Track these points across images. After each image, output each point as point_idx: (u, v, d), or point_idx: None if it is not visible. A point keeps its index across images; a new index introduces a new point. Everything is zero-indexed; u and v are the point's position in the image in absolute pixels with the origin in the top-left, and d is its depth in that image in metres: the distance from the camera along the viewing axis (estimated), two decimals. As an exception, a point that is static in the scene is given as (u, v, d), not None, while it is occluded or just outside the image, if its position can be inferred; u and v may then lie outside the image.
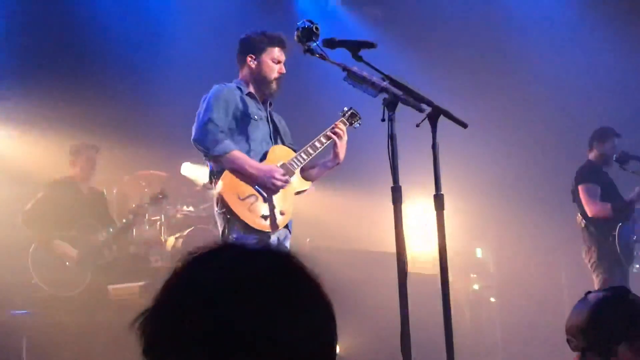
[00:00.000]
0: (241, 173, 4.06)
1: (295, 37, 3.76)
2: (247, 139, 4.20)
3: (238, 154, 4.07)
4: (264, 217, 4.06)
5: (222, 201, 4.05)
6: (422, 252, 8.70)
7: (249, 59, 4.36)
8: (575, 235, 6.75)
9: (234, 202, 4.02)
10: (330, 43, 3.47)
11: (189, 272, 1.10)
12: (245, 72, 4.39)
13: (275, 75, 4.35)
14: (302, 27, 3.76)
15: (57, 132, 7.49)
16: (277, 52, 4.35)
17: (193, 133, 4.16)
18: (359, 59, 3.31)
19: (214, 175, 4.15)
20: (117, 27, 8.28)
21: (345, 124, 4.43)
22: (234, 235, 3.98)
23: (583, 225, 6.43)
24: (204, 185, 7.61)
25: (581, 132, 7.30)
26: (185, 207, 7.99)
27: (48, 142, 7.52)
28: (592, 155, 6.56)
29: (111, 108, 8.09)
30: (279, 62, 4.35)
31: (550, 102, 9.33)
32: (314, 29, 3.72)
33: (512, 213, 9.35)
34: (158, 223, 7.70)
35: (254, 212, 4.05)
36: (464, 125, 3.15)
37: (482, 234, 9.75)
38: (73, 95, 7.62)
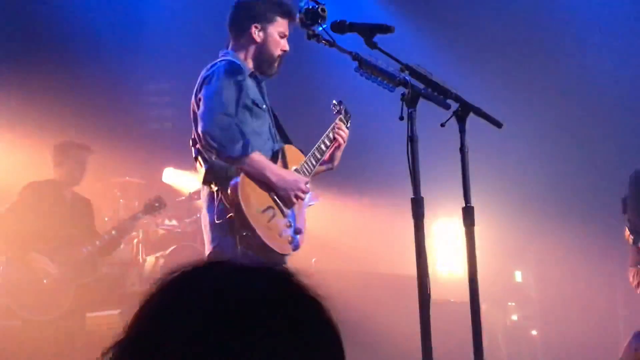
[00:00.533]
0: (259, 180, 3.91)
1: (298, 20, 3.78)
2: (254, 136, 4.01)
3: (259, 157, 3.91)
4: (284, 236, 3.96)
5: (236, 210, 3.80)
6: (449, 275, 8.71)
7: (254, 29, 4.18)
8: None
9: (252, 214, 3.82)
10: (340, 27, 3.49)
11: (169, 296, 1.05)
12: (244, 44, 4.21)
13: (279, 52, 4.24)
14: (306, 8, 3.78)
15: (23, 131, 7.56)
16: (286, 25, 4.24)
17: (201, 124, 3.87)
18: (374, 45, 3.32)
19: (216, 177, 3.93)
20: (92, 22, 8.39)
21: (344, 124, 4.45)
22: (241, 254, 3.83)
23: (631, 241, 6.42)
24: (190, 195, 7.66)
25: (637, 134, 7.31)
26: (167, 221, 8.03)
27: (14, 142, 7.60)
28: None
29: (83, 107, 8.16)
30: (284, 36, 4.25)
31: (602, 99, 9.34)
32: (320, 11, 3.73)
33: (558, 229, 9.33)
34: (135, 240, 7.74)
35: (274, 229, 3.91)
36: (499, 125, 3.16)
37: (522, 254, 9.74)
38: (41, 92, 7.71)
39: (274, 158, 4.09)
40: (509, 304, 9.38)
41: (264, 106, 4.14)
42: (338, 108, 4.55)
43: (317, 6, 3.75)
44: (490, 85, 8.62)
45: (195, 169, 4.15)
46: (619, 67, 9.24)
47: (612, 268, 8.88)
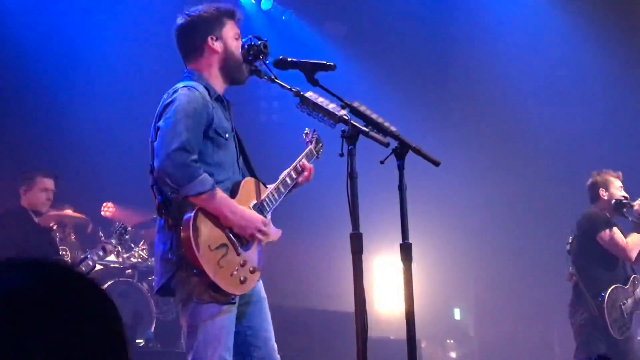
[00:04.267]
0: (216, 216, 3.71)
1: (240, 56, 3.79)
2: (216, 169, 3.80)
3: (217, 194, 3.67)
4: (235, 275, 3.72)
5: (186, 246, 3.60)
6: (388, 312, 8.73)
7: (210, 41, 3.93)
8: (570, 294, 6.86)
9: (203, 252, 3.62)
10: (282, 64, 3.51)
11: None
12: (206, 61, 3.96)
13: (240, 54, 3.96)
14: (248, 45, 3.79)
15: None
16: (234, 25, 4.01)
17: (157, 160, 3.66)
18: (315, 83, 3.34)
19: (168, 210, 3.70)
20: (28, 43, 8.34)
21: (312, 156, 4.26)
22: (194, 299, 3.63)
23: (573, 281, 6.55)
24: (130, 230, 7.57)
25: (574, 175, 7.48)
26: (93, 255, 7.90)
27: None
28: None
29: (20, 133, 8.08)
30: (238, 37, 3.98)
31: (540, 138, 9.56)
32: (262, 47, 3.74)
33: (496, 268, 9.46)
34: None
35: (225, 267, 3.69)
36: (436, 164, 3.19)
37: (461, 292, 9.84)
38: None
39: (233, 192, 3.87)
40: (448, 341, 9.45)
41: (227, 135, 3.88)
42: (310, 137, 4.33)
43: (259, 42, 3.77)
44: (432, 124, 8.75)
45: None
46: (559, 107, 9.47)
47: (549, 307, 9.03)
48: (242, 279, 3.74)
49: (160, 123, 3.73)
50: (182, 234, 3.64)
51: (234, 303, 3.71)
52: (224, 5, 4.05)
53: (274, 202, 4.02)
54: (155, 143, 3.71)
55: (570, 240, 6.59)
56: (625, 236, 6.41)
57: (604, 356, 2.51)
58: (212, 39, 3.93)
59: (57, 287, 1.08)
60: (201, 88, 3.84)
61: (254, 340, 3.86)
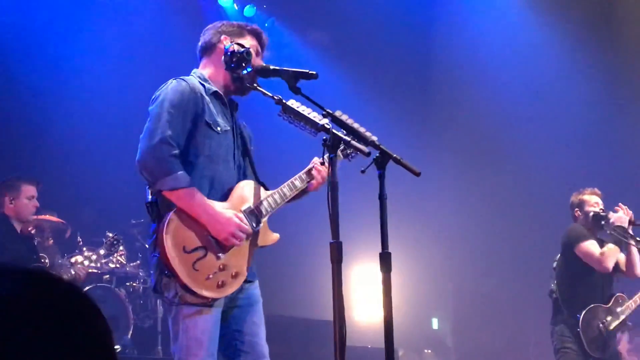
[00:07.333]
0: (191, 216, 3.66)
1: (223, 63, 3.80)
2: (205, 162, 3.77)
3: (191, 193, 3.63)
4: (212, 278, 3.65)
5: (160, 248, 3.59)
6: (366, 321, 8.73)
7: (224, 38, 3.95)
8: (549, 306, 6.88)
9: (176, 254, 3.59)
10: (264, 71, 3.52)
11: None
12: (215, 58, 3.96)
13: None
14: (230, 52, 3.80)
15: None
16: (256, 43, 4.00)
17: (138, 153, 3.67)
18: (297, 91, 3.35)
19: (155, 209, 3.70)
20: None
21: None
22: (174, 300, 3.61)
23: (553, 298, 6.58)
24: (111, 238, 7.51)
25: (552, 185, 7.53)
26: (84, 261, 7.84)
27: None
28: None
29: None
30: (257, 53, 3.97)
31: (521, 148, 9.62)
32: (245, 54, 3.76)
33: (474, 278, 9.49)
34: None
35: (201, 270, 3.63)
36: (417, 174, 3.21)
37: (439, 302, 9.86)
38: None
39: (226, 193, 3.81)
40: (426, 351, 9.46)
41: (220, 129, 3.81)
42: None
43: (242, 50, 3.78)
44: (413, 134, 8.78)
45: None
46: (540, 117, 9.53)
47: (527, 318, 9.06)
48: (220, 282, 3.67)
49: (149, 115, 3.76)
50: (157, 234, 3.65)
51: (211, 306, 3.66)
52: (251, 24, 4.12)
53: (274, 206, 3.92)
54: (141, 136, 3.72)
55: (557, 258, 6.63)
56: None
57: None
58: (226, 38, 3.96)
59: (46, 296, 1.05)
60: (193, 81, 3.85)
61: (241, 345, 3.82)
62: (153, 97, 3.82)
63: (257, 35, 4.03)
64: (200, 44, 4.07)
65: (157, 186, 3.64)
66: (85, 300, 1.08)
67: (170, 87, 3.78)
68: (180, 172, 3.62)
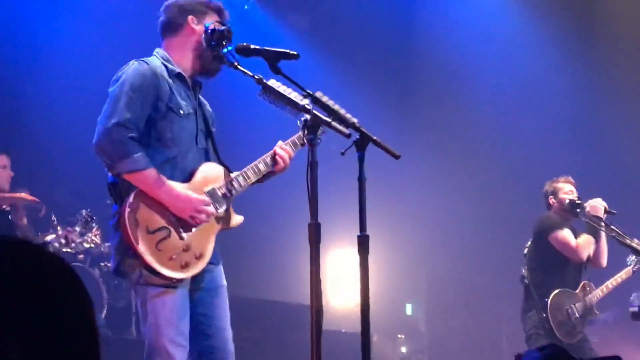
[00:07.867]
0: (152, 197, 3.65)
1: (203, 41, 3.76)
2: (167, 145, 3.75)
3: (151, 174, 3.62)
4: (176, 259, 3.64)
5: (122, 229, 3.59)
6: (343, 305, 8.74)
7: (190, 20, 3.90)
8: (521, 292, 6.94)
9: (139, 234, 3.58)
10: (245, 50, 3.48)
11: None
12: (181, 41, 3.91)
13: None
14: (211, 30, 3.76)
15: None
16: (218, 19, 3.95)
17: (95, 135, 3.66)
18: (278, 71, 3.32)
19: (116, 190, 3.69)
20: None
21: (297, 144, 4.01)
22: (140, 281, 3.61)
23: (524, 284, 6.64)
24: (84, 215, 7.45)
25: (530, 174, 7.55)
26: (54, 241, 7.75)
27: None
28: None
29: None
30: None
31: (500, 135, 9.65)
32: (226, 32, 3.71)
33: (448, 265, 9.53)
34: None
35: (164, 251, 3.62)
36: (396, 156, 3.20)
37: (413, 288, 9.89)
38: None
39: (189, 174, 3.79)
40: (399, 336, 9.50)
41: (182, 111, 3.80)
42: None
43: (222, 28, 3.74)
44: (393, 117, 8.77)
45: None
46: (520, 105, 9.56)
47: (499, 305, 9.12)
48: (183, 263, 3.66)
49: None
50: (119, 216, 3.63)
51: (175, 287, 3.66)
52: (216, 2, 4.03)
53: (238, 189, 3.90)
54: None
55: (527, 245, 6.68)
56: (577, 237, 6.50)
57: (555, 345, 2.53)
58: (193, 19, 3.91)
59: (31, 268, 1.06)
60: (155, 62, 3.83)
61: (205, 329, 3.82)
62: (114, 78, 3.79)
63: (218, 11, 3.99)
64: (162, 20, 4.01)
65: (116, 169, 3.64)
66: (66, 270, 1.10)
67: (132, 69, 3.75)
68: (137, 154, 3.61)
